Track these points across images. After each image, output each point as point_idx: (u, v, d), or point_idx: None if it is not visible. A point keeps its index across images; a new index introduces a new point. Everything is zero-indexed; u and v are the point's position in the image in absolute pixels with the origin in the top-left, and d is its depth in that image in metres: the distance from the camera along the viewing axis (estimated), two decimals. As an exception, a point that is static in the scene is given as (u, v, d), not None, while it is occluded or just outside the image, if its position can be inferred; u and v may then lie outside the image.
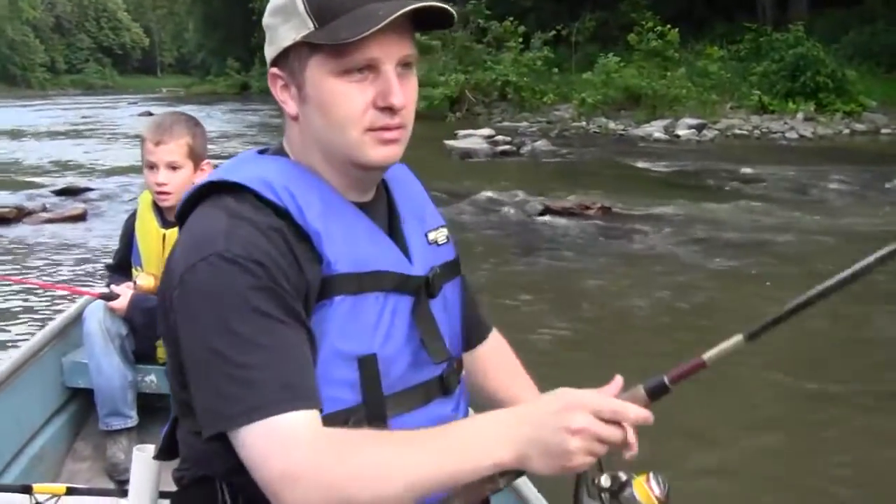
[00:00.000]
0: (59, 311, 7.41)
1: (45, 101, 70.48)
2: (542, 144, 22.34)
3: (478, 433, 1.42)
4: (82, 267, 10.19)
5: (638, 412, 1.41)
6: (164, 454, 1.76)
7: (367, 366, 1.55)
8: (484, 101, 32.69)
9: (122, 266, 4.06)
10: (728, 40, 32.04)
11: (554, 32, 33.74)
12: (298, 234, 1.53)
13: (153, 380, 3.99)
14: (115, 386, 3.87)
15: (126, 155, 23.15)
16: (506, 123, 29.07)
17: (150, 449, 2.19)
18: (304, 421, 1.40)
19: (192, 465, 1.64)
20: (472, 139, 22.81)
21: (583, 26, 36.22)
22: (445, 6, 1.54)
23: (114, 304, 3.93)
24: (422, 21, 1.57)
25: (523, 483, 2.49)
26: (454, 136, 23.30)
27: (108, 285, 4.07)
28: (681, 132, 24.78)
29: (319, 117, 1.58)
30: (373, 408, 1.55)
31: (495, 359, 2.05)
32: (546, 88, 31.87)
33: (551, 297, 8.42)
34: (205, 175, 2.48)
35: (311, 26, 1.53)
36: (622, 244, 10.89)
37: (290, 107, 1.63)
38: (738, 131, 25.29)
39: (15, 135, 32.56)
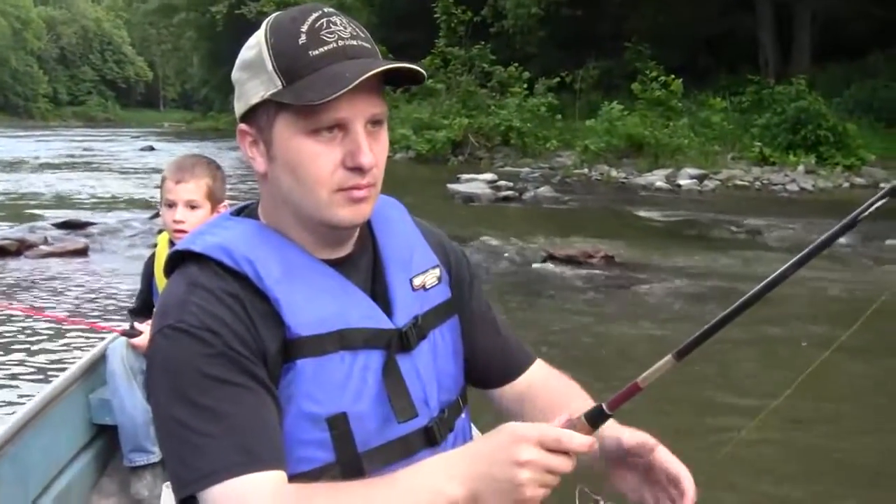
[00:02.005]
0: (76, 345, 7.44)
1: (46, 131, 70.69)
2: (544, 191, 22.41)
3: (429, 474, 1.45)
4: (86, 300, 10.22)
5: (582, 439, 1.43)
6: None
7: (338, 425, 1.56)
8: (486, 145, 32.69)
9: (146, 306, 4.09)
10: (731, 92, 32.20)
11: (558, 79, 33.81)
12: (258, 299, 1.54)
13: None
14: (138, 422, 3.92)
15: (128, 190, 23.31)
16: (508, 168, 29.13)
17: None
18: (262, 482, 1.42)
19: None
20: (475, 183, 22.92)
21: (587, 74, 36.31)
22: (413, 66, 1.55)
23: (136, 340, 3.99)
24: (391, 78, 1.57)
25: None
26: (457, 180, 23.43)
27: (131, 324, 4.12)
28: (682, 182, 24.86)
29: (288, 176, 1.57)
30: (347, 465, 1.56)
31: (537, 389, 1.96)
32: (549, 134, 31.87)
33: (553, 346, 8.40)
34: None
35: (278, 84, 1.52)
36: (625, 294, 10.89)
37: (259, 164, 1.62)
38: (739, 182, 25.27)
39: (16, 165, 32.70)
